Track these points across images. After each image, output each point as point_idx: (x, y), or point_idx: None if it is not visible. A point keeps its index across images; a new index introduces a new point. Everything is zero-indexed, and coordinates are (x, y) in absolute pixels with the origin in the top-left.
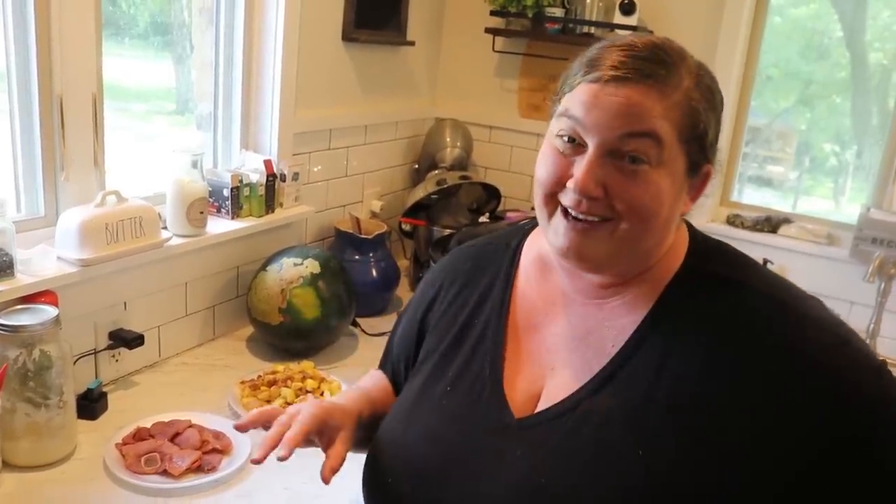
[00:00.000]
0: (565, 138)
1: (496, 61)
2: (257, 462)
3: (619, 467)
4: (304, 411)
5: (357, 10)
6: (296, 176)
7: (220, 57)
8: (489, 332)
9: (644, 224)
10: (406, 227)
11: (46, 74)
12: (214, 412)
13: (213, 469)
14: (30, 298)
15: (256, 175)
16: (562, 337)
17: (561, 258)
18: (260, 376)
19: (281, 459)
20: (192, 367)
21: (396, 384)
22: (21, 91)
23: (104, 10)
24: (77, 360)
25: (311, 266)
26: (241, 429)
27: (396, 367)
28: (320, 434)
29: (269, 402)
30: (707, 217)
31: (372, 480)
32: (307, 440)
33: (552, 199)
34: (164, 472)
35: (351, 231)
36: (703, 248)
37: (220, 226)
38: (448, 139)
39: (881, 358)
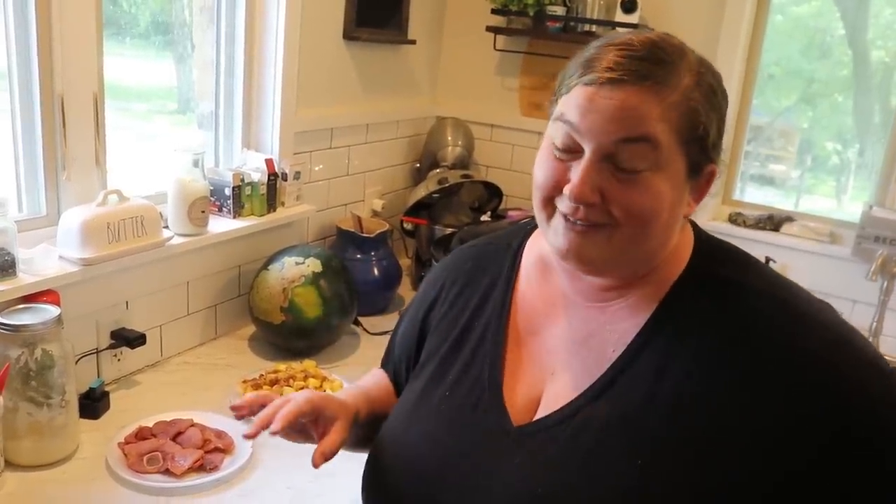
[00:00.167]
0: (561, 146)
1: (497, 60)
2: (249, 437)
3: (616, 476)
4: (299, 395)
5: (358, 8)
6: (297, 175)
7: (221, 56)
8: (489, 335)
9: (643, 229)
10: (407, 225)
11: (48, 74)
12: (216, 411)
13: (215, 468)
14: (32, 298)
15: (258, 174)
16: (562, 340)
17: (561, 260)
18: (262, 375)
19: (273, 434)
20: (193, 367)
21: (398, 384)
22: (22, 90)
23: (105, 9)
24: (79, 359)
25: (313, 265)
26: (237, 410)
27: (398, 366)
28: (315, 423)
29: None
30: (709, 215)
31: (372, 480)
32: (301, 426)
33: (550, 203)
34: (167, 472)
35: (352, 230)
36: (708, 249)
37: (221, 225)
38: (449, 138)
39: (886, 357)
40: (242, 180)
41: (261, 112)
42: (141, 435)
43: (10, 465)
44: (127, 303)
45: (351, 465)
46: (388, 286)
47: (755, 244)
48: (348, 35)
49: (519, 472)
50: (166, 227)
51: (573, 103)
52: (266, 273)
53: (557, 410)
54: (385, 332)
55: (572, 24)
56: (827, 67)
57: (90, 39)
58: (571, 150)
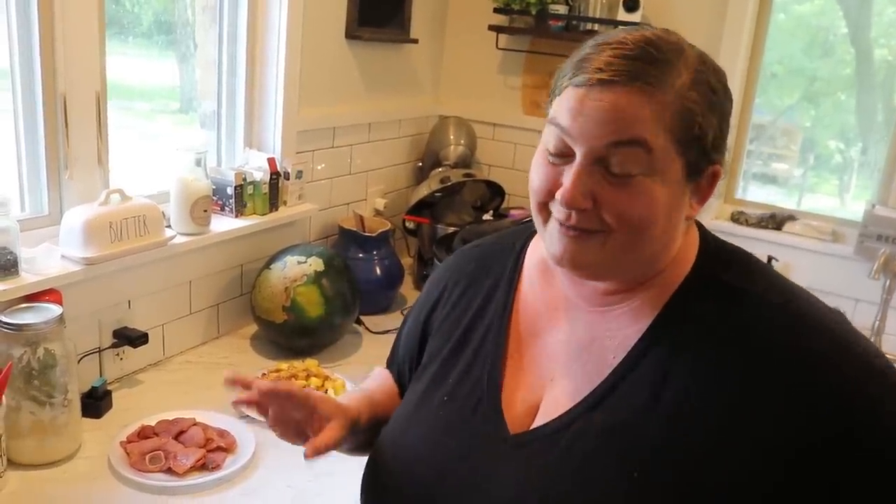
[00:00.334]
0: (554, 150)
1: (499, 59)
2: (237, 404)
3: (611, 486)
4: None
5: (360, 7)
6: (299, 174)
7: (223, 55)
8: (491, 337)
9: (637, 235)
10: (410, 224)
11: (50, 73)
12: (218, 410)
13: (217, 467)
14: (34, 297)
15: (260, 173)
16: (563, 344)
17: (556, 265)
18: (264, 374)
19: (250, 398)
20: (196, 366)
21: (402, 385)
22: (25, 90)
23: (108, 8)
24: (81, 358)
25: (315, 264)
26: (230, 382)
27: (402, 367)
28: (310, 422)
29: None
30: (711, 214)
31: (371, 481)
32: (296, 424)
33: (545, 208)
34: (169, 471)
35: (355, 229)
36: (714, 251)
37: (223, 224)
38: (452, 137)
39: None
40: (245, 179)
41: (263, 111)
42: (143, 434)
43: (12, 464)
44: (129, 302)
45: (351, 465)
46: (390, 285)
47: (757, 243)
48: (350, 34)
49: (513, 480)
50: (168, 226)
51: (564, 106)
52: (268, 272)
53: (555, 419)
54: (387, 332)
55: (574, 22)
56: (829, 66)
57: (93, 39)
58: (564, 155)
